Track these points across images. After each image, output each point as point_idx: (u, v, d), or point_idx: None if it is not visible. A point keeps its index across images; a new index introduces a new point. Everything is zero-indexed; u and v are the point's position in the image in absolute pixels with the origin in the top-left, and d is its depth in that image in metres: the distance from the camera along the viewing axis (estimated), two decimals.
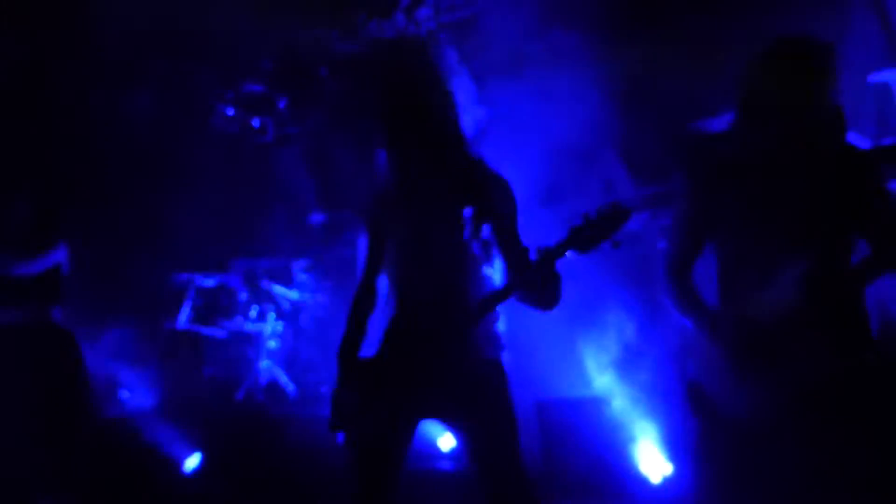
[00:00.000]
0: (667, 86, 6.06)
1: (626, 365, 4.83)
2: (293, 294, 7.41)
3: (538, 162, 5.59)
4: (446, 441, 5.26)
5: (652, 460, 4.16)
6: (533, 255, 2.27)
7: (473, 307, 2.34)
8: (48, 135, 5.87)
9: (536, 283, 2.28)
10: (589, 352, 5.33)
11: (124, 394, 6.45)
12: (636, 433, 4.18)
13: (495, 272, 2.51)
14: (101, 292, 3.51)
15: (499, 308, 2.41)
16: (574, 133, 6.21)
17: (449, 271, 2.43)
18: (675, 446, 4.11)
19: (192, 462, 5.44)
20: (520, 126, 5.60)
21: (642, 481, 4.16)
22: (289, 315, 7.38)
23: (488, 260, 2.47)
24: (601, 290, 5.97)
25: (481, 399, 2.38)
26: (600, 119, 6.26)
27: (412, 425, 2.45)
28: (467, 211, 2.40)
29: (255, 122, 8.24)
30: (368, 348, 2.56)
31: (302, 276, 7.56)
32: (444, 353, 2.34)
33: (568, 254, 2.23)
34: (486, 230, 2.40)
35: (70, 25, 6.15)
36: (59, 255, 3.53)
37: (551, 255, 2.23)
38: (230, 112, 8.04)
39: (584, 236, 2.20)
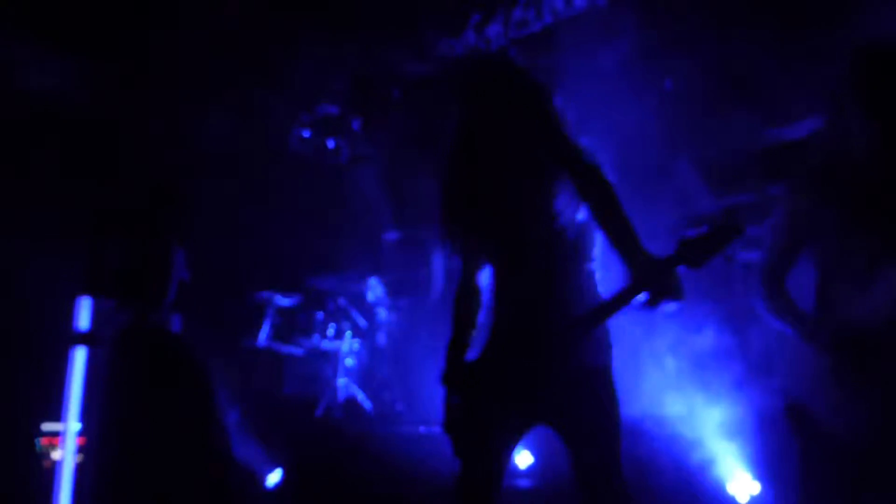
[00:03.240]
0: (743, 94, 5.93)
1: (709, 381, 4.70)
2: (369, 312, 7.50)
3: (609, 174, 5.53)
4: (524, 458, 5.22)
5: (739, 479, 4.04)
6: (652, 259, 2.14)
7: (581, 314, 2.24)
8: (130, 163, 6.11)
9: (659, 289, 2.13)
10: (669, 367, 5.21)
11: None
12: (721, 451, 4.06)
13: (597, 267, 2.40)
14: (181, 311, 3.55)
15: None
16: (648, 145, 6.13)
17: (545, 270, 2.33)
18: (762, 465, 3.97)
19: (273, 478, 5.54)
20: (591, 140, 5.56)
21: (729, 502, 4.04)
22: (365, 333, 7.47)
23: (587, 254, 2.37)
24: (682, 304, 5.85)
25: (588, 411, 2.29)
26: (674, 130, 6.16)
27: (518, 435, 2.39)
28: (559, 203, 2.32)
29: (330, 144, 8.41)
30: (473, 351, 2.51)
31: (378, 295, 7.65)
32: (546, 359, 2.25)
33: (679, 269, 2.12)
34: (580, 220, 2.32)
35: (150, 55, 6.41)
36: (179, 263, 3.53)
37: (664, 266, 2.13)
38: (306, 134, 8.22)
39: (697, 250, 2.12)
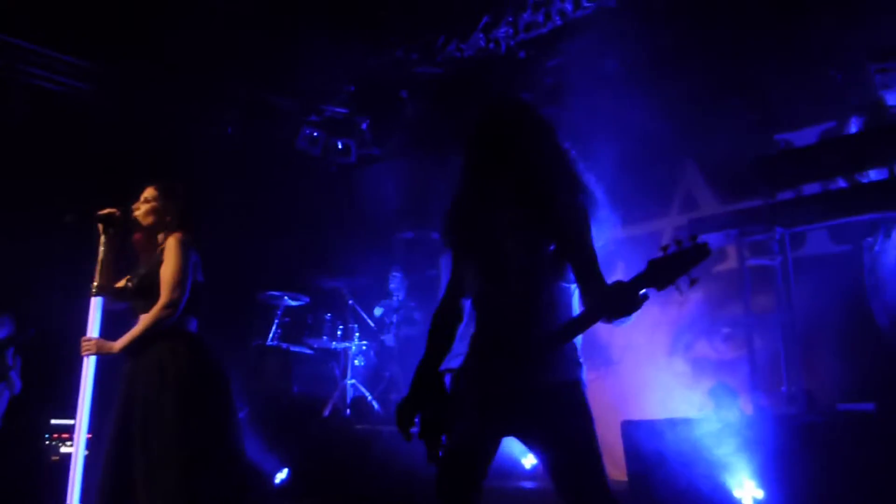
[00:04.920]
0: (749, 98, 5.93)
1: (717, 386, 4.71)
2: (377, 312, 7.53)
3: (615, 181, 5.53)
4: (529, 460, 5.23)
5: (743, 485, 4.04)
6: (608, 287, 2.28)
7: (552, 331, 2.34)
8: (140, 159, 6.14)
9: (615, 312, 2.27)
10: (676, 372, 5.23)
11: None
12: (726, 457, 4.07)
13: (574, 287, 2.49)
14: (196, 313, 3.54)
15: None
16: (654, 149, 6.14)
17: (524, 289, 2.42)
18: (767, 471, 3.98)
19: (280, 476, 5.57)
20: (597, 143, 5.57)
21: None
22: (373, 334, 7.49)
23: (564, 275, 2.46)
24: (690, 308, 5.86)
25: (559, 422, 2.36)
26: (680, 134, 6.16)
27: (493, 443, 2.45)
28: (541, 235, 2.42)
29: (339, 144, 8.44)
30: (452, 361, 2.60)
31: (386, 295, 7.68)
32: (520, 373, 2.34)
33: (644, 290, 2.20)
34: (557, 252, 2.42)
35: (159, 56, 6.44)
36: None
37: (627, 289, 2.22)
38: (314, 134, 8.25)
39: (662, 273, 2.18)
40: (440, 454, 2.46)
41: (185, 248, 3.43)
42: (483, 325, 2.52)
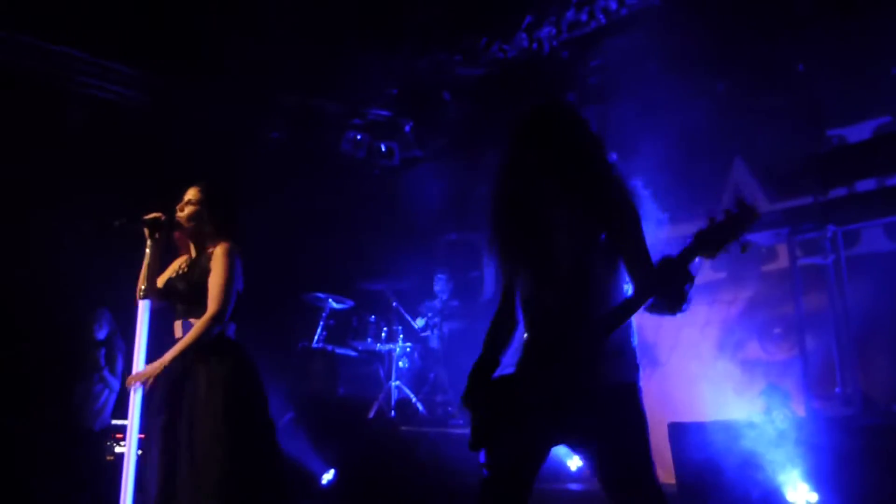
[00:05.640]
0: (798, 94, 5.80)
1: (770, 388, 4.61)
2: (419, 324, 7.53)
3: (662, 180, 5.47)
4: (574, 462, 5.19)
5: (797, 488, 3.96)
6: (657, 265, 2.23)
7: (600, 320, 2.29)
8: (187, 165, 6.25)
9: (665, 293, 2.22)
10: (725, 374, 5.13)
11: None
12: (779, 460, 3.98)
13: (625, 282, 2.44)
14: (237, 313, 3.58)
15: (633, 324, 2.35)
16: (702, 147, 6.04)
17: (572, 285, 2.39)
18: (821, 474, 3.88)
19: (327, 477, 5.62)
20: (643, 143, 5.51)
21: None
22: (417, 335, 7.51)
23: (617, 271, 2.42)
24: (739, 308, 5.75)
25: (614, 425, 2.31)
26: (728, 132, 6.06)
27: (545, 448, 2.42)
28: (591, 227, 2.39)
29: (382, 147, 8.49)
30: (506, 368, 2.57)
31: (430, 296, 7.70)
32: (574, 376, 2.30)
33: (697, 261, 2.15)
34: (608, 244, 2.38)
35: (208, 64, 6.55)
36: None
37: (676, 263, 2.17)
38: (358, 137, 8.31)
39: (711, 239, 2.13)
40: (490, 459, 2.41)
41: (232, 259, 3.49)
42: (535, 325, 2.48)
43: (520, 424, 2.37)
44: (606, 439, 2.33)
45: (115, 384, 6.35)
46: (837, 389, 4.40)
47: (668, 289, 2.21)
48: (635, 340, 2.41)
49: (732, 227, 2.12)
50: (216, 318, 3.39)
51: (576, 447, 2.45)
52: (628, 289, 2.45)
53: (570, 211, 2.45)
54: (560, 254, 2.44)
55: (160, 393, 3.40)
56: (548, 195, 2.49)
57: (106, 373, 6.34)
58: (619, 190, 2.44)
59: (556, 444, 2.43)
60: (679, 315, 2.25)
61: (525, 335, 2.51)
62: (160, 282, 3.57)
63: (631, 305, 2.29)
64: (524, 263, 2.53)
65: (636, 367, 2.40)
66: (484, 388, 2.52)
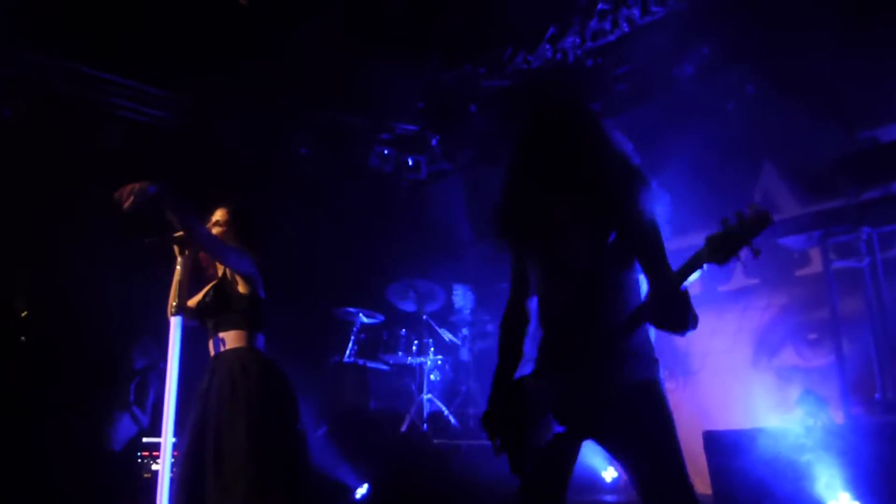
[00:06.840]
0: (827, 96, 5.72)
1: (808, 394, 4.53)
2: (450, 329, 7.54)
3: (691, 185, 5.42)
4: (609, 473, 5.14)
5: (837, 496, 3.88)
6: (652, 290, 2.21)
7: (615, 325, 2.26)
8: (217, 183, 6.32)
9: (663, 327, 2.18)
10: (760, 381, 5.05)
11: None
12: (818, 468, 3.90)
13: (642, 278, 2.41)
14: (265, 331, 3.62)
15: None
16: (731, 150, 5.98)
17: (586, 285, 2.37)
18: (862, 481, 3.80)
19: (361, 491, 5.62)
20: (670, 148, 5.46)
21: None
22: (448, 348, 7.51)
23: (631, 267, 2.39)
24: (773, 314, 5.66)
25: (638, 423, 2.27)
26: (756, 136, 5.99)
27: (573, 449, 2.39)
28: (603, 224, 2.37)
29: (409, 161, 8.53)
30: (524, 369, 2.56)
31: (460, 308, 7.70)
32: (594, 374, 2.28)
33: (705, 266, 2.09)
34: (619, 241, 2.36)
35: (233, 79, 6.64)
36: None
37: (684, 269, 2.12)
38: (385, 152, 8.36)
39: (721, 245, 2.06)
40: (525, 465, 2.39)
41: (258, 271, 3.56)
42: (550, 324, 2.46)
43: (545, 424, 2.36)
44: (632, 435, 2.30)
45: (145, 421, 6.37)
46: (877, 395, 4.31)
47: (667, 320, 2.19)
48: (653, 336, 2.38)
49: (744, 232, 2.06)
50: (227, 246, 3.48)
51: (604, 445, 2.41)
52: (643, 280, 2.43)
53: (581, 212, 2.43)
54: (573, 253, 2.42)
55: (190, 406, 3.44)
56: (558, 195, 2.47)
57: (136, 409, 6.35)
58: (630, 192, 2.40)
59: (582, 439, 2.40)
60: (689, 333, 2.20)
61: (542, 334, 2.48)
62: (191, 303, 3.63)
63: (633, 323, 2.28)
64: (538, 258, 2.52)
65: (655, 362, 2.37)
66: (506, 400, 2.51)
